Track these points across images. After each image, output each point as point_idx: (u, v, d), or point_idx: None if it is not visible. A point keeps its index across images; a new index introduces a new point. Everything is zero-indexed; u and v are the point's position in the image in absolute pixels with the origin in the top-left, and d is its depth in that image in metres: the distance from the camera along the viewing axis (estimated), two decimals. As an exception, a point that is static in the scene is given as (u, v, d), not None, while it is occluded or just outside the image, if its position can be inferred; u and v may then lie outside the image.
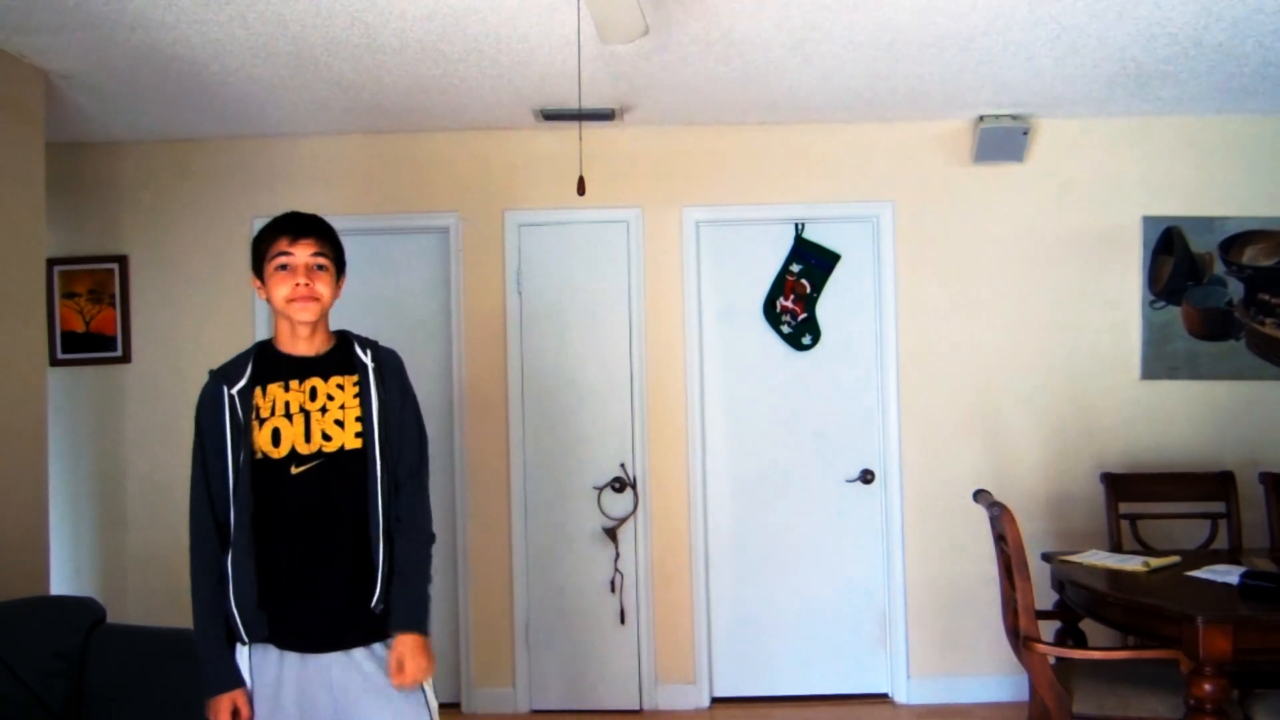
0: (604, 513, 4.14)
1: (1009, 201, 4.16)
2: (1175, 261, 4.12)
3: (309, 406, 2.01)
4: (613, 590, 4.12)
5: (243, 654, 1.99)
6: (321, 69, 3.38)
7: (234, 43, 3.12)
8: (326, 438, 2.00)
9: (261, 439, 1.98)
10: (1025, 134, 4.01)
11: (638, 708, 4.10)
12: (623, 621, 4.11)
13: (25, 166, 3.27)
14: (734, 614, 4.18)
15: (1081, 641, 3.35)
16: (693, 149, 4.17)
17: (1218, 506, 3.80)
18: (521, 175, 4.17)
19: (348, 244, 4.52)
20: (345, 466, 2.00)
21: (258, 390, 2.00)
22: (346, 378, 2.05)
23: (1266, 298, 4.12)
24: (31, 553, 3.24)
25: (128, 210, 4.19)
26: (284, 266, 2.01)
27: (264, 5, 2.85)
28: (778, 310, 4.17)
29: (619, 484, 4.14)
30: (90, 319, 4.17)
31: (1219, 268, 4.12)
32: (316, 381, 2.03)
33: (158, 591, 4.10)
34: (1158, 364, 4.13)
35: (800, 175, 4.18)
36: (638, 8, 2.46)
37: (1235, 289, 4.12)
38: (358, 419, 2.02)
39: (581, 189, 2.92)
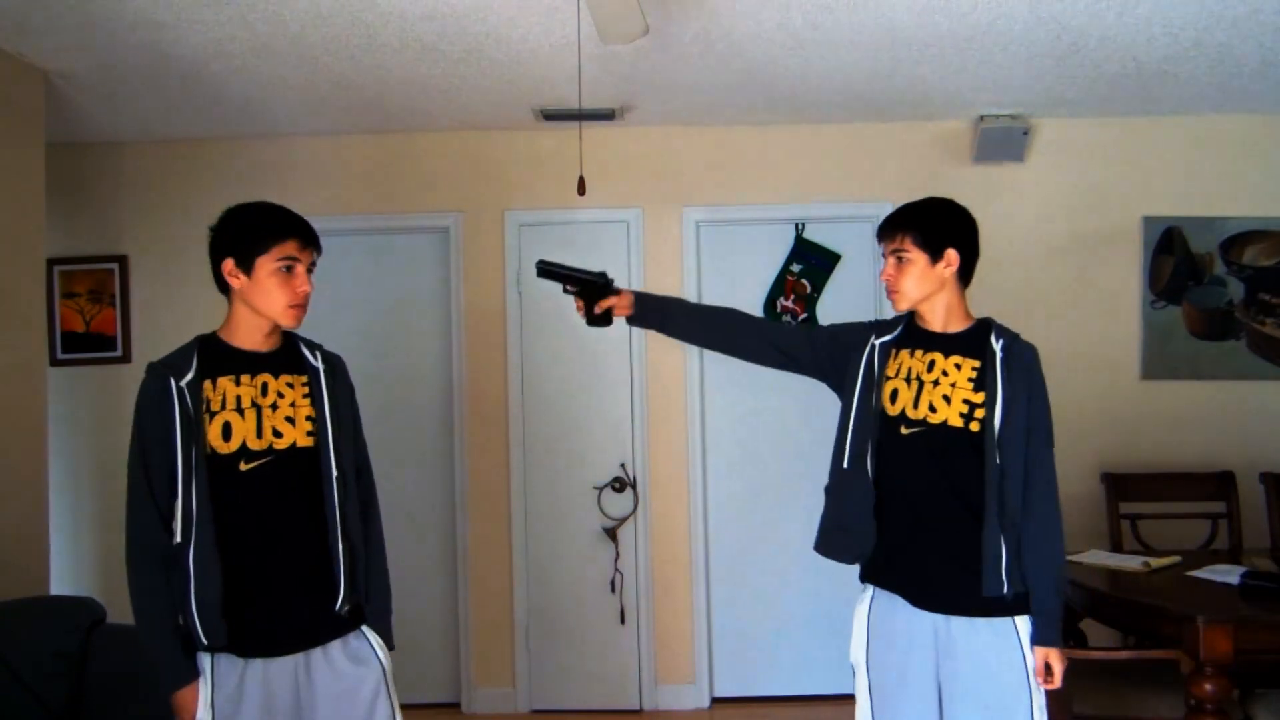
0: (604, 513, 4.14)
1: (1009, 201, 4.16)
2: (1175, 261, 4.12)
3: (260, 401, 1.96)
4: (613, 590, 4.12)
5: (204, 662, 1.90)
6: (321, 69, 3.37)
7: (234, 43, 3.12)
8: (278, 434, 1.96)
9: (212, 433, 1.90)
10: (1025, 134, 4.01)
11: (638, 708, 4.10)
12: (623, 621, 4.11)
13: (25, 166, 3.27)
14: (734, 614, 4.18)
15: (1081, 641, 3.35)
16: (693, 149, 4.17)
17: (1218, 506, 3.79)
18: (521, 175, 4.17)
19: (348, 244, 4.56)
20: (296, 465, 1.98)
21: (207, 383, 1.92)
22: (296, 377, 2.02)
23: (1267, 298, 4.11)
24: (31, 553, 3.24)
25: (128, 210, 4.18)
26: (289, 269, 1.96)
27: (264, 5, 2.85)
28: (778, 310, 4.17)
29: (619, 484, 4.14)
30: (90, 319, 4.17)
31: (1219, 268, 4.12)
32: (267, 377, 1.98)
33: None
34: (1158, 364, 4.13)
35: (800, 175, 4.17)
36: (638, 8, 2.46)
37: (1235, 289, 4.12)
38: (309, 418, 2.00)
39: (581, 189, 2.92)
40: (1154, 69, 3.53)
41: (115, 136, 4.11)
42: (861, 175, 4.17)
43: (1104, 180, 4.14)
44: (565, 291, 2.29)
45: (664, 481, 4.15)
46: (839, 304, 4.17)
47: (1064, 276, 4.15)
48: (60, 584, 4.00)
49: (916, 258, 2.14)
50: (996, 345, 2.12)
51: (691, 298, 4.14)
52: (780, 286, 4.17)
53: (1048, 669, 2.04)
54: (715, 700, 4.16)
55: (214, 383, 1.93)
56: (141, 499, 1.89)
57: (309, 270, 2.01)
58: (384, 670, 2.04)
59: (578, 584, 4.14)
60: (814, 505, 4.12)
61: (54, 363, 4.10)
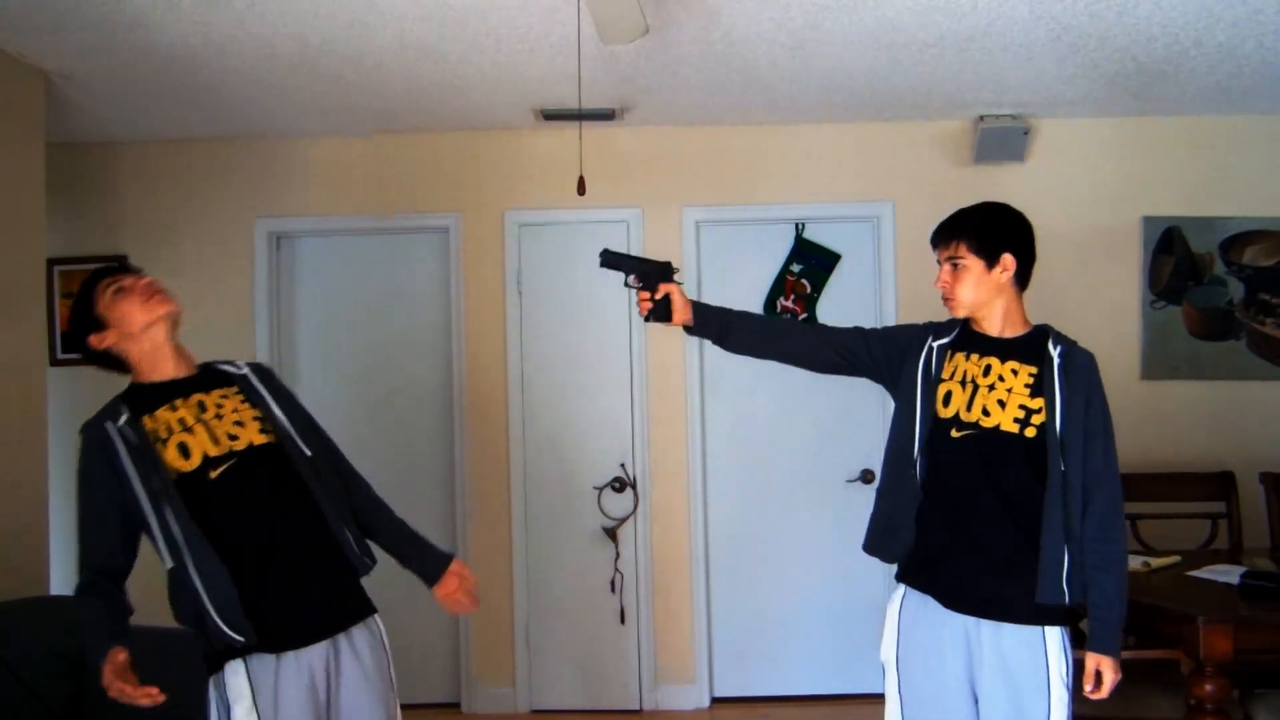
0: (604, 513, 4.14)
1: (1009, 201, 4.12)
2: (1175, 261, 4.12)
3: (204, 416, 1.99)
4: (613, 590, 4.12)
5: (238, 669, 1.91)
6: (322, 69, 3.37)
7: (234, 43, 3.12)
8: (233, 438, 1.98)
9: (170, 457, 1.93)
10: (1025, 134, 4.01)
11: (638, 708, 4.10)
12: (623, 621, 4.11)
13: (25, 166, 3.27)
14: (734, 614, 4.18)
15: (1082, 641, 3.34)
16: (693, 149, 4.17)
17: (1218, 506, 3.79)
18: (521, 175, 4.17)
19: (348, 244, 4.56)
20: (263, 462, 1.99)
21: (145, 418, 1.95)
22: (226, 389, 2.05)
23: (1267, 298, 4.12)
24: (31, 553, 3.24)
25: (128, 210, 4.18)
26: (121, 289, 2.00)
27: (264, 5, 2.85)
28: (778, 310, 4.17)
29: (619, 484, 4.14)
30: (90, 319, 4.17)
31: (1219, 268, 4.12)
32: (199, 396, 2.02)
33: (158, 591, 4.08)
34: (1158, 364, 4.13)
35: (800, 175, 4.17)
36: (638, 8, 2.46)
37: (1236, 289, 4.12)
38: (256, 418, 2.03)
39: (581, 189, 2.91)
40: (1154, 69, 3.53)
41: (115, 136, 4.11)
42: (861, 175, 4.17)
43: (1104, 180, 4.14)
44: (626, 285, 2.31)
45: (664, 481, 4.15)
46: (839, 304, 4.17)
47: (1063, 276, 4.14)
48: (60, 584, 3.99)
49: (972, 264, 2.14)
50: (1054, 352, 2.10)
51: (692, 297, 4.14)
52: (780, 286, 4.17)
53: (1098, 677, 2.04)
54: (715, 700, 4.16)
55: (152, 416, 1.97)
56: (81, 535, 1.98)
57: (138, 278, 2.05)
58: (389, 660, 2.10)
59: (578, 584, 4.14)
60: (813, 505, 4.16)
61: (54, 363, 4.08)
